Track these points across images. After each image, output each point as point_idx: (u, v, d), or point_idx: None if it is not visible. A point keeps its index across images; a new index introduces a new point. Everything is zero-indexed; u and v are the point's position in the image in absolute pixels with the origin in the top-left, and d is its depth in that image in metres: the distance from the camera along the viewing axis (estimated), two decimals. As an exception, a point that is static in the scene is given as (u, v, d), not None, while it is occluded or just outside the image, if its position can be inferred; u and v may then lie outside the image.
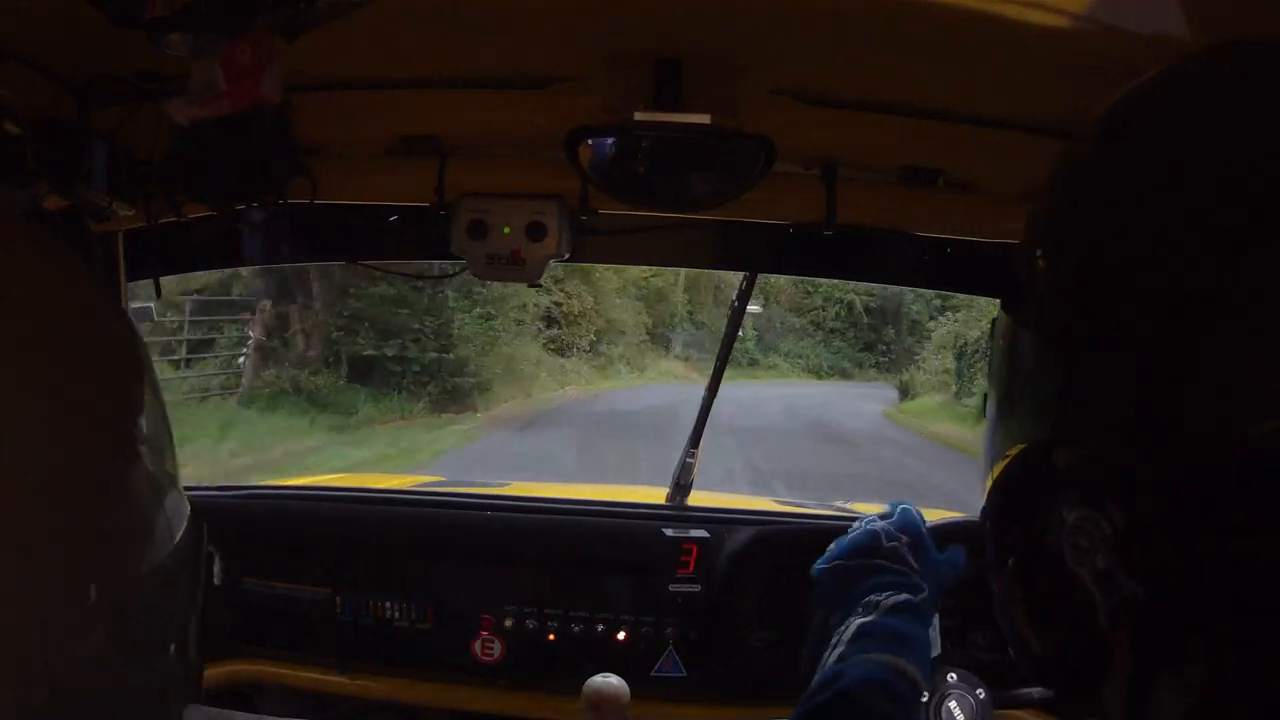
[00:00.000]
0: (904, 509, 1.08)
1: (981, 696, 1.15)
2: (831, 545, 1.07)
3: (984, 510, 0.57)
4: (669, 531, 1.59)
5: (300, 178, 1.17)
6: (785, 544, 1.60)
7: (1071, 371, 0.47)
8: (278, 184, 1.13)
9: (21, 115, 1.07)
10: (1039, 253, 0.51)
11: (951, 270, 1.56)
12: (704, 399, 1.81)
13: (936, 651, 1.12)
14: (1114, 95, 0.50)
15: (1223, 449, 0.40)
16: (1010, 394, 0.55)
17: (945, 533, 1.11)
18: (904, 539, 1.03)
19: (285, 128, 1.03)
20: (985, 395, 0.58)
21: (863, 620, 0.94)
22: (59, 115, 1.14)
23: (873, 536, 1.03)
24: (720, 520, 1.65)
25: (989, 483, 0.56)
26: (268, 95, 0.96)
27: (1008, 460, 0.54)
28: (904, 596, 0.96)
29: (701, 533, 1.59)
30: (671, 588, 1.57)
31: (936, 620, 1.12)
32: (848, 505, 1.95)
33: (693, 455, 1.75)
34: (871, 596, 0.97)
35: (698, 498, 1.77)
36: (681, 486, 1.75)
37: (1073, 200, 0.51)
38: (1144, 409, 0.43)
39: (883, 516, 1.08)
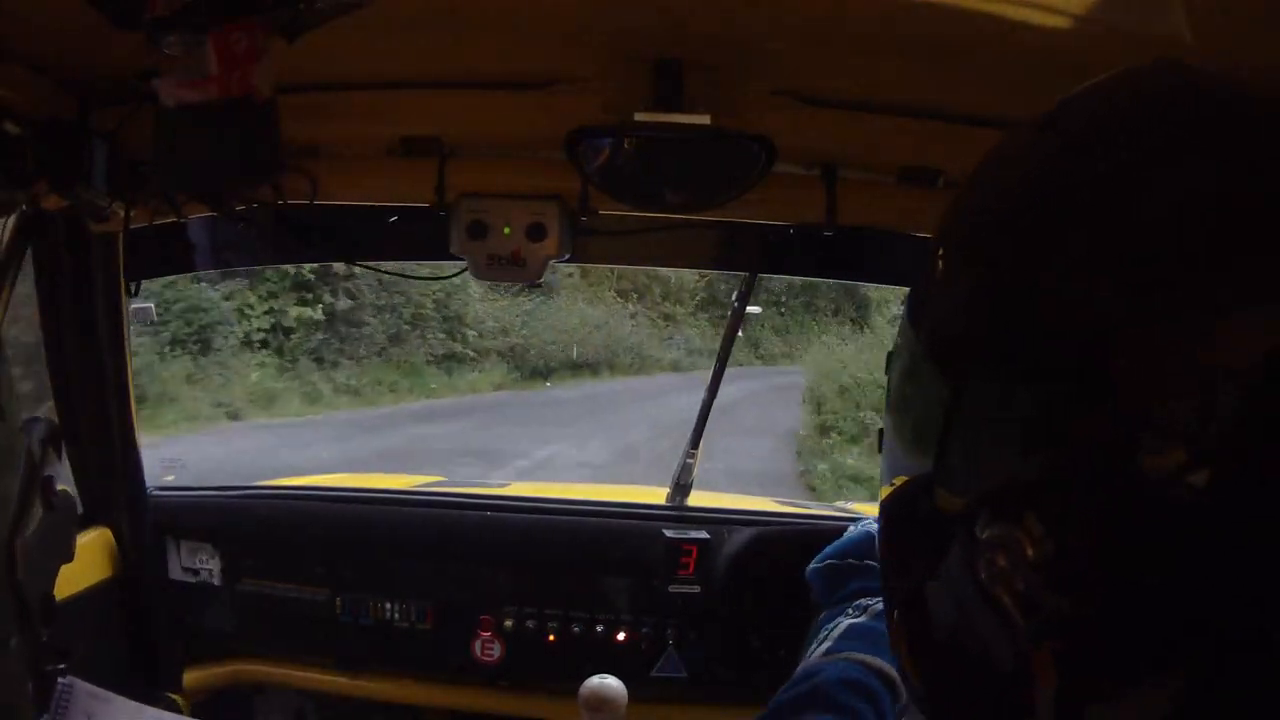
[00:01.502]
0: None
1: None
2: (827, 547, 1.06)
3: (878, 544, 0.55)
4: (669, 532, 1.59)
5: (300, 177, 1.17)
6: (785, 544, 1.60)
7: (959, 398, 0.44)
8: (261, 180, 1.12)
9: (21, 115, 1.07)
10: (941, 252, 0.48)
11: None
12: (704, 400, 1.81)
13: None
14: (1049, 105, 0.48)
15: (1122, 482, 0.38)
16: (899, 409, 0.51)
17: None
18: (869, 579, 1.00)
19: (272, 125, 1.02)
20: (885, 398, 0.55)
21: (853, 621, 0.93)
22: (59, 115, 1.14)
23: (866, 536, 1.02)
24: (720, 521, 1.65)
25: (880, 507, 0.54)
26: (259, 88, 0.95)
27: (894, 490, 0.51)
28: (876, 616, 0.94)
29: (701, 533, 1.59)
30: (671, 588, 1.57)
31: None
32: (848, 505, 1.95)
33: (692, 456, 1.75)
34: (864, 600, 0.95)
35: (698, 498, 1.77)
36: (681, 487, 1.75)
37: (981, 205, 0.48)
38: (1041, 442, 0.40)
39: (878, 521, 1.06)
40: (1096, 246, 0.41)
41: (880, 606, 0.94)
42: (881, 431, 0.54)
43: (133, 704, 1.10)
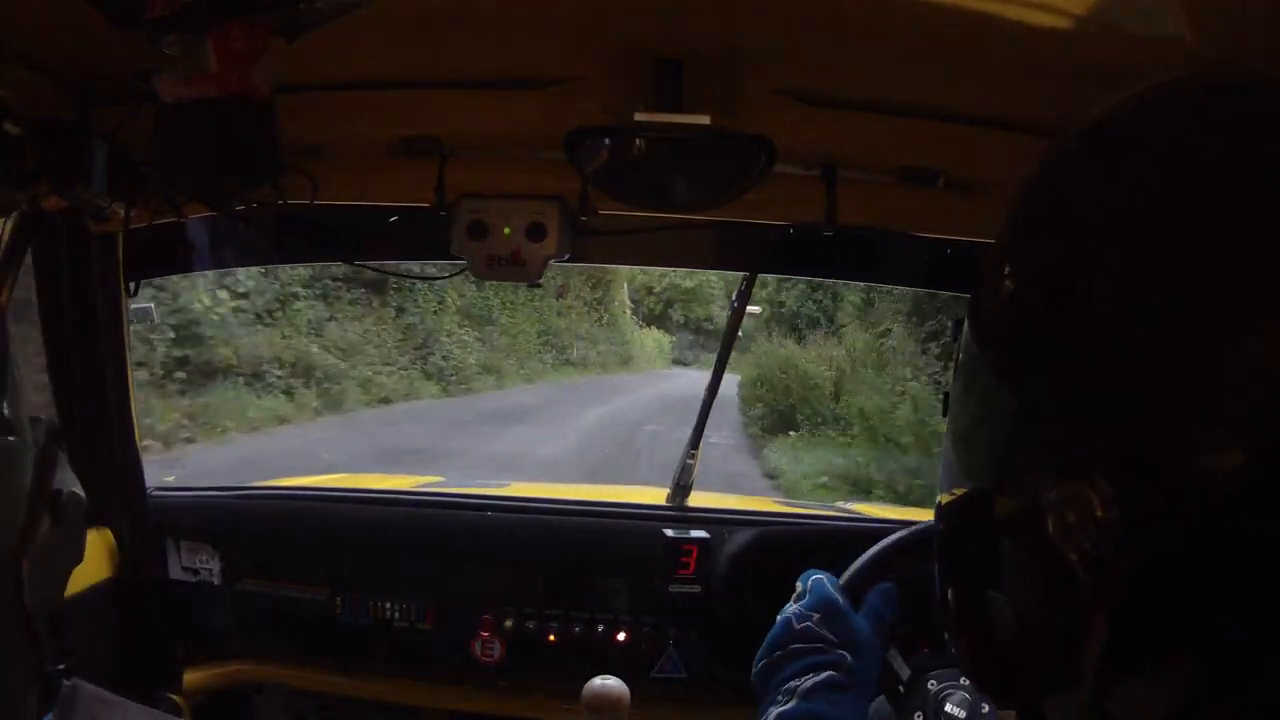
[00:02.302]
0: (815, 581, 1.03)
1: (986, 712, 1.14)
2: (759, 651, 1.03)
3: (936, 545, 0.57)
4: (669, 532, 1.59)
5: (300, 177, 1.17)
6: (785, 544, 1.60)
7: (1025, 403, 0.46)
8: (261, 180, 1.12)
9: (21, 115, 1.07)
10: (1007, 269, 0.50)
11: (951, 270, 1.56)
12: (704, 400, 1.81)
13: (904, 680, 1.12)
14: (1094, 110, 0.50)
15: (1185, 483, 0.40)
16: (963, 418, 0.53)
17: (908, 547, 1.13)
18: (815, 615, 0.99)
19: (270, 123, 1.02)
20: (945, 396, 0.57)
21: (780, 709, 0.91)
22: (59, 115, 1.14)
23: (784, 625, 0.99)
24: (720, 521, 1.65)
25: (939, 507, 0.56)
26: (258, 86, 0.95)
27: (954, 498, 0.53)
28: (825, 675, 0.93)
29: (702, 533, 1.59)
30: (671, 589, 1.57)
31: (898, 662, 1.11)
32: (848, 506, 1.95)
33: (693, 456, 1.75)
34: (791, 683, 0.93)
35: (698, 498, 1.77)
36: (681, 487, 1.75)
37: (1044, 216, 0.50)
38: (1107, 442, 0.42)
39: (797, 598, 1.03)
40: (1151, 253, 0.43)
41: (810, 683, 0.93)
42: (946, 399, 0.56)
43: (139, 707, 1.10)
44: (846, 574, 1.12)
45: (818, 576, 1.04)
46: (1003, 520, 0.49)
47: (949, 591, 0.54)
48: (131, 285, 1.52)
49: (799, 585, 1.04)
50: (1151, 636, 0.43)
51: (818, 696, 0.92)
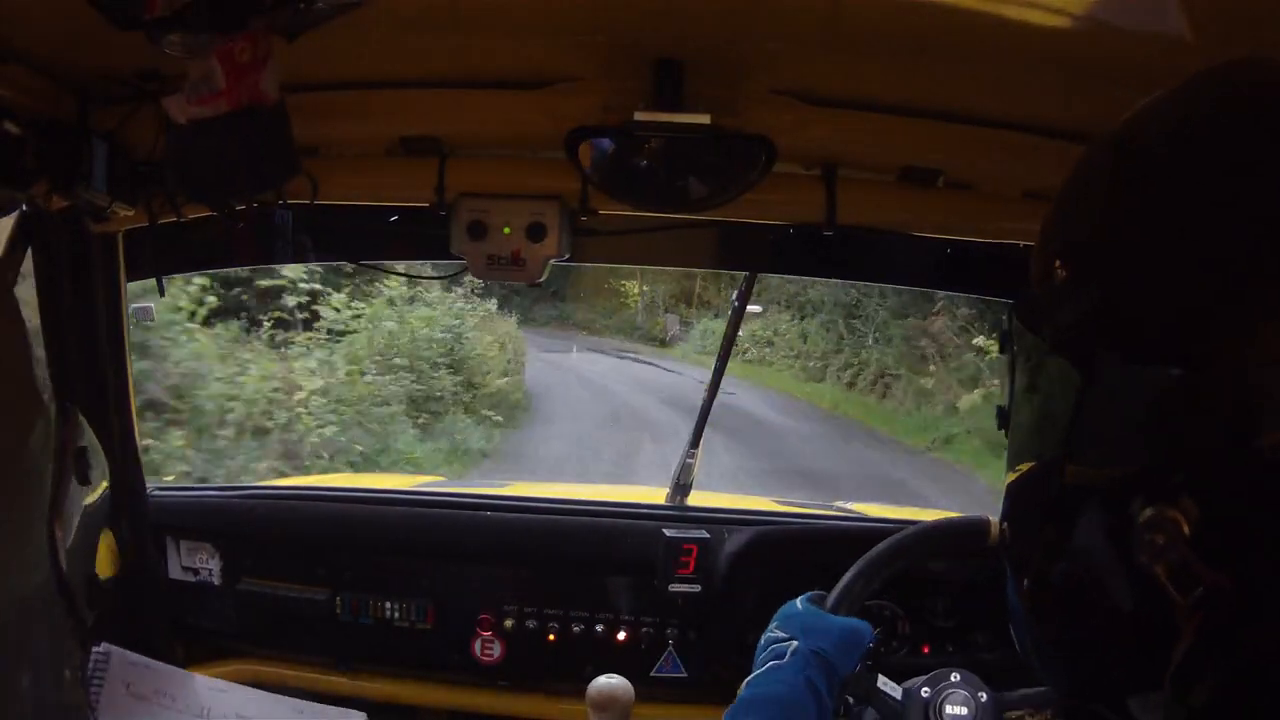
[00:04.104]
0: (781, 612, 1.12)
1: (984, 699, 1.14)
2: None
3: (1005, 530, 0.59)
4: (669, 532, 1.59)
5: (300, 178, 1.17)
6: (785, 544, 1.60)
7: (1091, 384, 0.48)
8: (276, 182, 1.13)
9: (21, 115, 1.07)
10: (1058, 263, 0.52)
11: (951, 270, 1.56)
12: (704, 400, 1.81)
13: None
14: (1137, 102, 0.51)
15: (1241, 459, 0.42)
16: (1026, 403, 0.56)
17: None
18: (773, 625, 1.10)
19: (284, 126, 1.02)
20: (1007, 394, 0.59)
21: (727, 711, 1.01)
22: (59, 115, 1.14)
23: (757, 651, 1.10)
24: (720, 521, 1.65)
25: (1007, 489, 0.58)
26: (266, 93, 0.96)
27: (1020, 475, 0.55)
28: (767, 665, 1.04)
29: (701, 533, 1.59)
30: (671, 588, 1.57)
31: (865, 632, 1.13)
32: (848, 505, 1.95)
33: (693, 456, 1.75)
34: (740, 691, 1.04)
35: (698, 498, 1.77)
36: (681, 487, 1.75)
37: (1097, 213, 0.52)
38: (1172, 423, 0.44)
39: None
40: (1200, 250, 0.45)
41: (751, 675, 1.04)
42: (1004, 422, 0.59)
43: (172, 669, 1.09)
44: (832, 595, 1.16)
45: (789, 604, 1.13)
46: (1087, 527, 0.50)
47: (1025, 582, 0.55)
48: (162, 284, 1.53)
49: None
50: (1238, 639, 0.44)
51: (754, 683, 1.03)
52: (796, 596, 1.14)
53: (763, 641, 1.09)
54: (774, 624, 1.10)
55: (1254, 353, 0.42)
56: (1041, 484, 0.53)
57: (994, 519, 1.20)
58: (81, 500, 0.53)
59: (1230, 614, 0.44)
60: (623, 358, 15.93)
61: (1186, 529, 0.44)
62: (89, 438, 0.55)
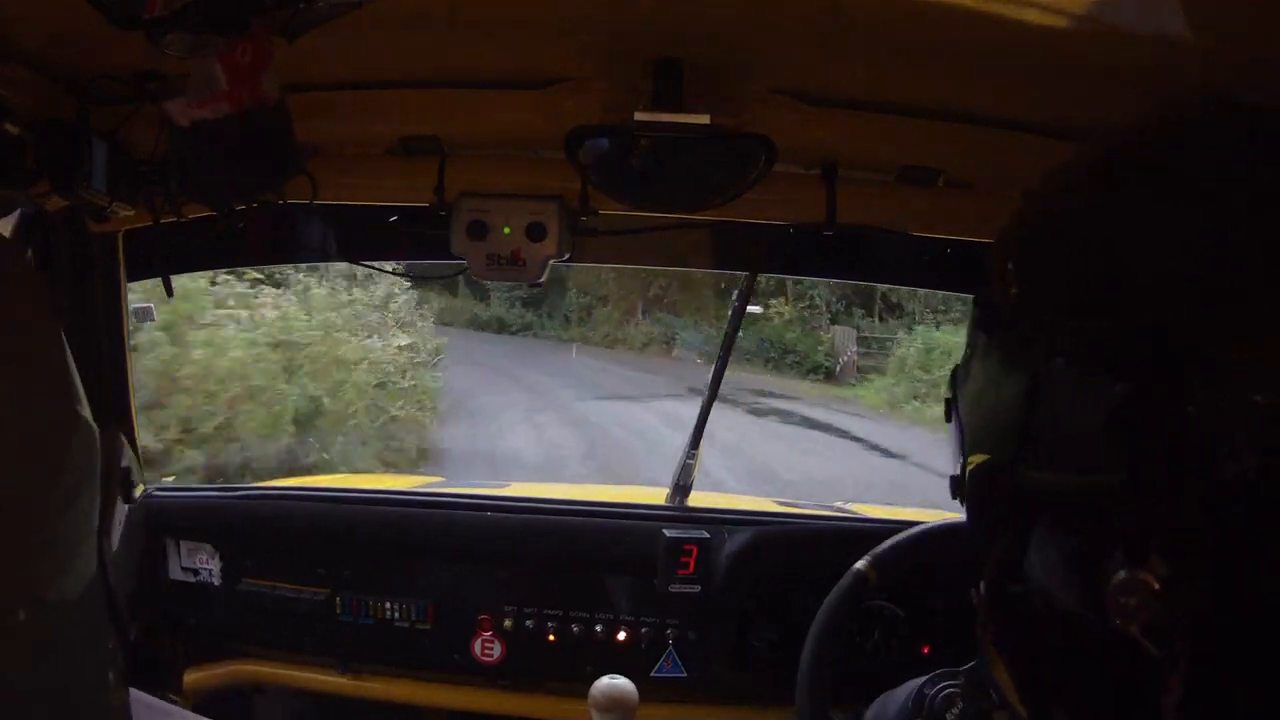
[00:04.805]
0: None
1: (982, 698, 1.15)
2: None
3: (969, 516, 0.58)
4: (669, 532, 1.59)
5: (300, 178, 1.17)
6: (785, 544, 1.60)
7: (1040, 390, 0.48)
8: (277, 182, 1.13)
9: (21, 115, 1.07)
10: (1010, 266, 0.52)
11: (950, 270, 1.56)
12: (704, 400, 1.81)
13: None
14: (1137, 103, 0.51)
15: (1198, 483, 0.42)
16: (979, 399, 0.56)
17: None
18: None
19: (286, 126, 1.02)
20: (950, 385, 0.60)
21: None
22: (59, 115, 1.14)
23: None
24: (720, 521, 1.65)
25: (963, 491, 0.57)
26: (267, 94, 0.96)
27: (974, 466, 0.55)
28: None
29: (701, 533, 1.59)
30: (671, 588, 1.57)
31: None
32: (847, 506, 1.95)
33: (693, 456, 1.75)
34: None
35: (697, 498, 1.77)
36: (681, 487, 1.75)
37: (1058, 218, 0.52)
38: (1127, 436, 0.44)
39: None
40: (1173, 264, 0.45)
41: None
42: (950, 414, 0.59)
43: (192, 716, 1.07)
44: (878, 551, 1.20)
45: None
46: (1027, 489, 0.50)
47: (982, 587, 0.55)
48: (169, 284, 1.53)
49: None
50: (1221, 678, 0.43)
51: None
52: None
53: None
54: None
55: (1210, 374, 0.42)
56: (995, 480, 0.53)
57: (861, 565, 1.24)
58: (123, 516, 0.54)
59: (1217, 665, 0.43)
60: (763, 410, 9.76)
61: (1157, 586, 0.43)
62: (130, 455, 0.56)
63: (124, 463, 0.53)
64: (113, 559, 0.51)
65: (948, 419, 0.60)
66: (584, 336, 14.77)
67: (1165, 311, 0.43)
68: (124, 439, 0.53)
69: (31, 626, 0.44)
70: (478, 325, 14.68)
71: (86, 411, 0.50)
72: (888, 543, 1.25)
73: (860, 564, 1.24)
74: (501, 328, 15.01)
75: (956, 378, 0.59)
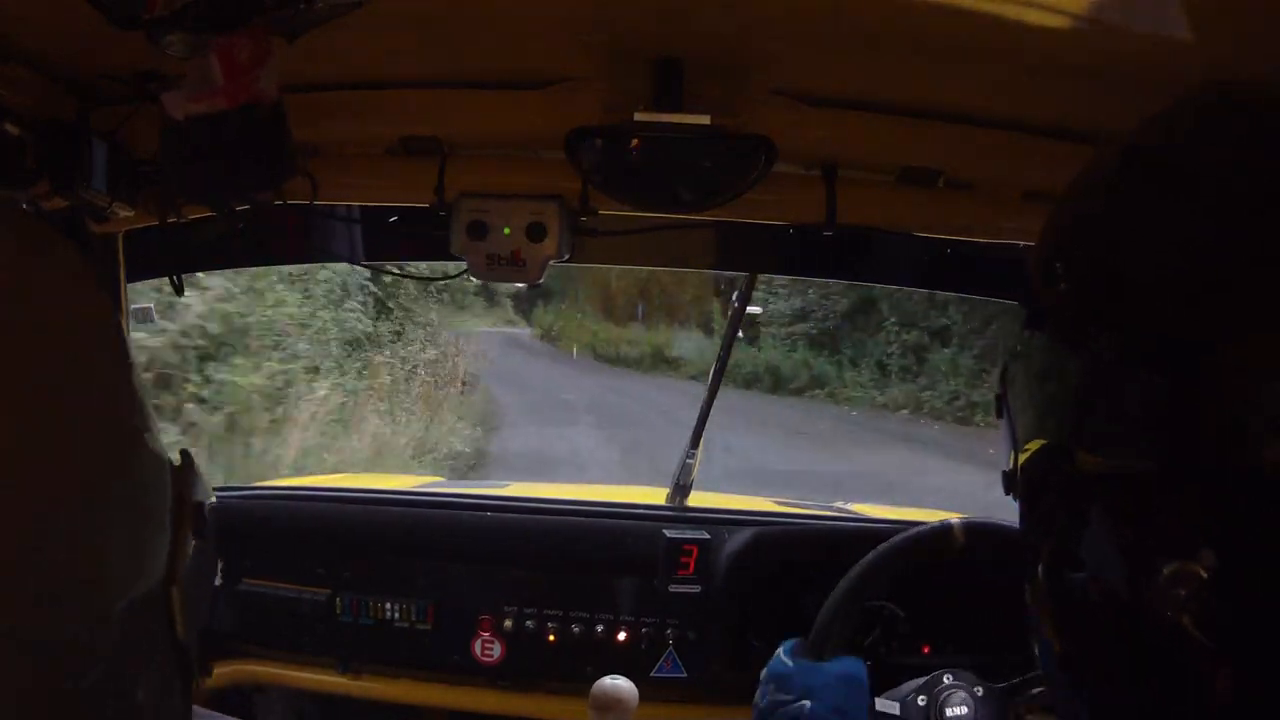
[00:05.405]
0: (768, 666, 1.15)
1: (980, 694, 1.15)
2: None
3: (1021, 530, 0.59)
4: (669, 532, 1.59)
5: (300, 178, 1.17)
6: (785, 544, 1.60)
7: (1087, 382, 0.50)
8: (276, 182, 1.12)
9: (21, 115, 1.07)
10: (1058, 266, 0.54)
11: (951, 271, 1.56)
12: (704, 400, 1.81)
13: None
14: (1137, 103, 0.53)
15: (1239, 470, 0.42)
16: (1030, 392, 0.58)
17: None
18: (770, 687, 1.10)
19: (282, 126, 1.02)
20: (1000, 381, 0.61)
21: None
22: (59, 115, 1.14)
23: (755, 715, 1.11)
24: (720, 521, 1.65)
25: (1014, 479, 0.59)
26: (265, 91, 0.96)
27: (1029, 455, 0.56)
28: None
29: (701, 533, 1.59)
30: (671, 588, 1.57)
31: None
32: (847, 505, 1.95)
33: (692, 456, 1.75)
34: None
35: (698, 498, 1.77)
36: (681, 487, 1.75)
37: (1098, 217, 0.53)
38: (1170, 427, 0.45)
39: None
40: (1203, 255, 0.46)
41: None
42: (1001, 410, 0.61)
43: (205, 712, 1.05)
44: (813, 640, 1.16)
45: (773, 659, 1.14)
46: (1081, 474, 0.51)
47: (1040, 572, 0.56)
48: (179, 283, 1.52)
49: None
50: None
51: None
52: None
53: (765, 705, 1.08)
54: (769, 685, 1.09)
55: (1252, 362, 0.43)
56: (1051, 466, 0.54)
57: (955, 522, 1.21)
58: (197, 557, 0.51)
59: (1268, 657, 0.44)
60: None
61: (1206, 577, 0.44)
62: (204, 490, 0.51)
63: (197, 496, 0.48)
64: (182, 604, 0.46)
65: (998, 415, 0.62)
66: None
67: (1193, 304, 0.44)
68: (200, 471, 0.49)
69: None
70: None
71: (157, 441, 0.47)
72: (983, 516, 1.24)
73: (954, 520, 1.21)
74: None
75: (1006, 373, 0.61)
